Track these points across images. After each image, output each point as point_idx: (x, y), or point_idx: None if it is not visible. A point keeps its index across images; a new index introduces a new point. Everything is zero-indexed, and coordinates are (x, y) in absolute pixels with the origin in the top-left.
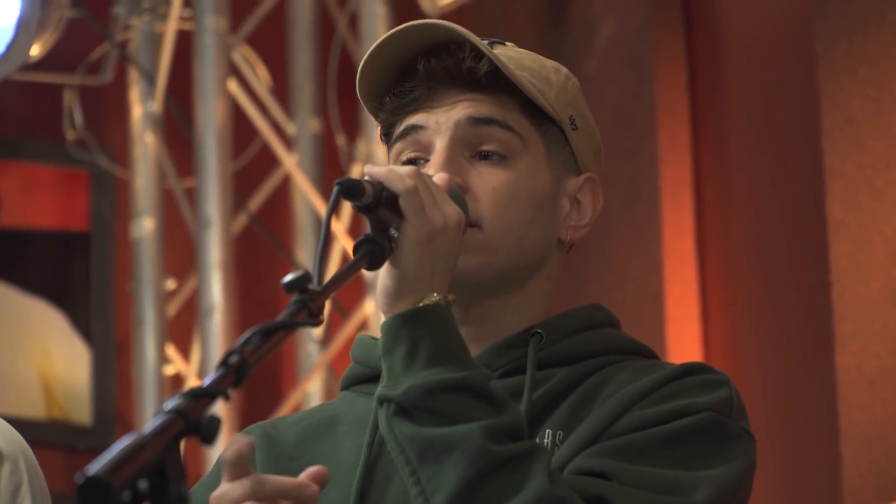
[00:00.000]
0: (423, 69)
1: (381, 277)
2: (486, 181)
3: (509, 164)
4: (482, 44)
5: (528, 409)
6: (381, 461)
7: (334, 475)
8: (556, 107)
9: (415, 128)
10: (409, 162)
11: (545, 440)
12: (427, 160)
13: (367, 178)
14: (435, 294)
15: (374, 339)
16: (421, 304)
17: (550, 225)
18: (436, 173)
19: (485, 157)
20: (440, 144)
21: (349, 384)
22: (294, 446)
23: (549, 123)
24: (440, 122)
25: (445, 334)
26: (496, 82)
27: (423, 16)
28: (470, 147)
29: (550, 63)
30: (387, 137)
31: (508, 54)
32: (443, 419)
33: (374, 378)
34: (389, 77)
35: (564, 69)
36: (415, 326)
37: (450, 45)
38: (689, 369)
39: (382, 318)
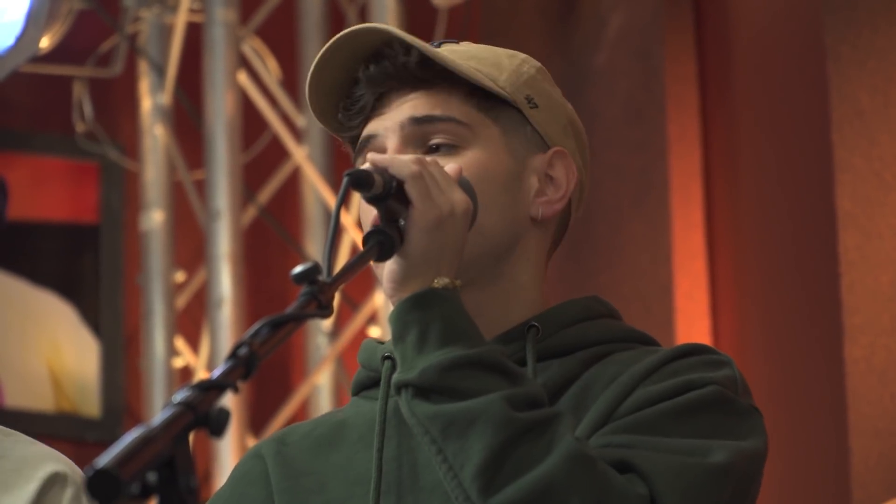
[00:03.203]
0: (363, 76)
1: (388, 263)
2: None
3: (459, 154)
4: (408, 36)
5: None
6: (404, 468)
7: (354, 490)
8: (509, 88)
9: (368, 139)
10: None
11: None
12: None
13: (370, 166)
14: (442, 278)
15: (379, 342)
16: (427, 288)
17: (516, 206)
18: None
19: (436, 149)
20: (390, 146)
21: (357, 390)
22: (307, 461)
23: (502, 106)
24: (388, 126)
25: (455, 314)
26: (434, 75)
27: (431, 9)
28: (421, 144)
29: (505, 51)
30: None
31: (456, 49)
32: (461, 395)
33: (378, 381)
34: (337, 93)
35: (522, 55)
36: (423, 310)
37: (384, 47)
38: (692, 350)
39: (391, 308)
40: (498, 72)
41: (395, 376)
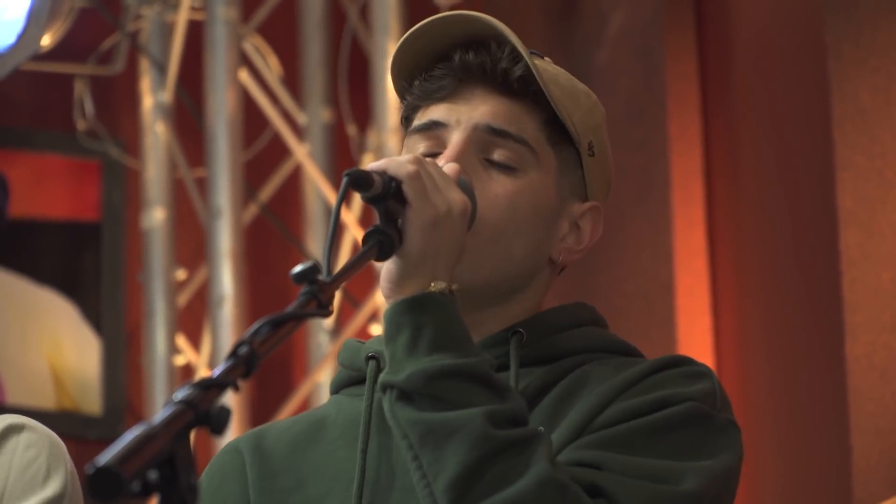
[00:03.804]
0: (458, 60)
1: (386, 263)
2: (491, 186)
3: (517, 175)
4: (523, 48)
5: None
6: (382, 467)
7: (332, 486)
8: (579, 129)
9: (436, 124)
10: (425, 157)
11: None
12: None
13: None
14: (439, 281)
15: (360, 342)
16: (424, 291)
17: (544, 242)
18: (445, 163)
19: (493, 163)
20: (455, 138)
21: (337, 388)
22: (286, 457)
23: (567, 143)
24: (461, 119)
25: (448, 321)
26: (526, 89)
27: (432, 8)
28: (483, 150)
29: (582, 86)
30: (406, 122)
31: (545, 67)
32: (444, 404)
33: (359, 381)
34: (424, 61)
35: (594, 96)
36: (417, 313)
37: (490, 41)
38: (670, 362)
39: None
40: (574, 107)
41: (383, 376)
